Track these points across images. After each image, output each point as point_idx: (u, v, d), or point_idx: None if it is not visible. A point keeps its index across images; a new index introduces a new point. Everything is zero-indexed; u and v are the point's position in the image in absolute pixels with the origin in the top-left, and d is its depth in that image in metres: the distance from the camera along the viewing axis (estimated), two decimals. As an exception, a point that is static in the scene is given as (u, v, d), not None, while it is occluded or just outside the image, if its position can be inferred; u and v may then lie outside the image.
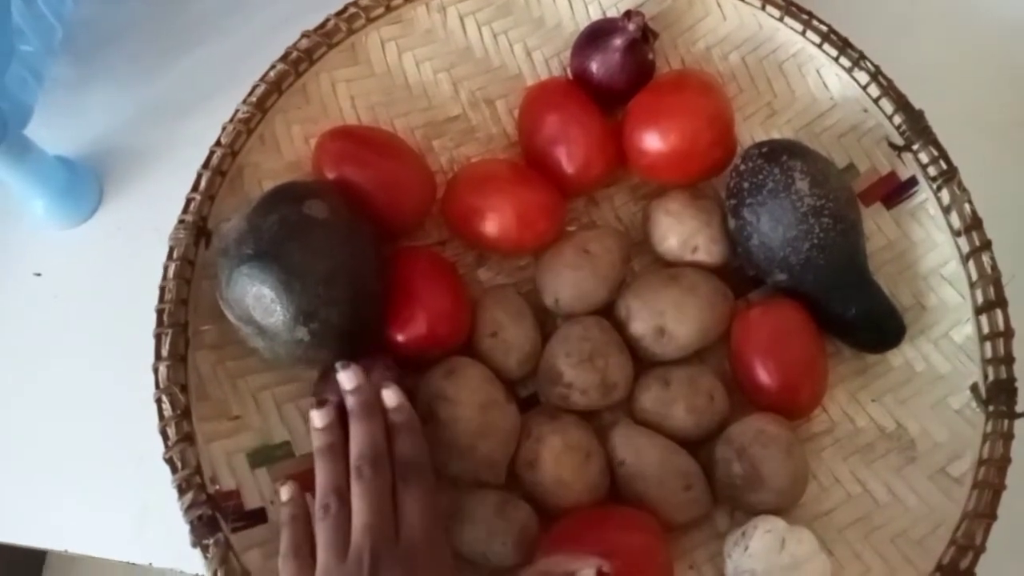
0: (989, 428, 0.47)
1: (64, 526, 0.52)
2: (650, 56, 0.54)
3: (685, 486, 0.47)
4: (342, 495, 0.42)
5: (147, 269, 0.48)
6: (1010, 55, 0.63)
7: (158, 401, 0.45)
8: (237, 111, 0.51)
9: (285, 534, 0.43)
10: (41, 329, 0.56)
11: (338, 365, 0.45)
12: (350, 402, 0.44)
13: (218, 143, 0.50)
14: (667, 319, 0.50)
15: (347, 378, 0.45)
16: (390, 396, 0.45)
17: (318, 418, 0.44)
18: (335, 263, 0.45)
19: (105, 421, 0.54)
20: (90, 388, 0.55)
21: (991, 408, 0.47)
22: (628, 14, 0.52)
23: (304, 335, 0.45)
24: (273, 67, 0.52)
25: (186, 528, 0.44)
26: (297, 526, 0.43)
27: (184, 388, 0.46)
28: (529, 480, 0.48)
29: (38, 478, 0.53)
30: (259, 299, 0.45)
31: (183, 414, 0.45)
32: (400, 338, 0.49)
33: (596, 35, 0.53)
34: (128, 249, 0.57)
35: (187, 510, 0.44)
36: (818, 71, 0.56)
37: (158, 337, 0.46)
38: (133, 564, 0.51)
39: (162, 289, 0.47)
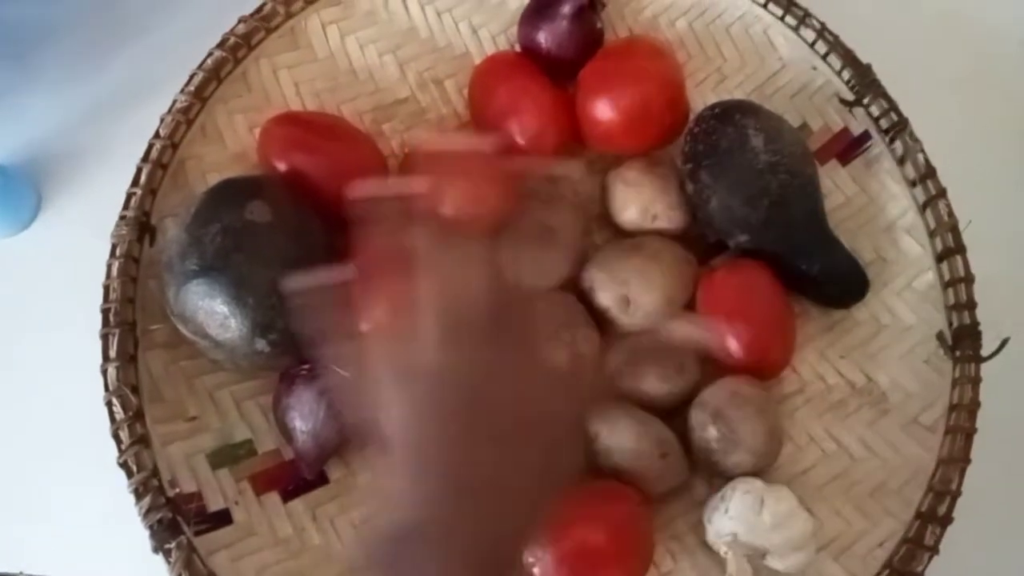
0: (957, 374, 0.47)
1: (17, 545, 0.49)
2: (598, 25, 0.53)
3: (661, 454, 0.46)
4: None
5: (91, 275, 0.47)
6: (951, 5, 0.64)
7: (108, 404, 0.44)
8: (175, 101, 0.49)
9: None
10: (-18, 342, 0.54)
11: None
12: None
13: (157, 135, 0.49)
14: (632, 288, 0.49)
15: None
16: None
17: None
18: (286, 268, 0.43)
19: (56, 433, 0.51)
20: (39, 402, 0.52)
21: (958, 354, 0.47)
22: (575, -20, 0.51)
23: (264, 346, 0.44)
24: (210, 54, 0.50)
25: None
26: None
27: (136, 389, 0.44)
28: (502, 461, 0.47)
29: (-13, 498, 0.51)
30: (211, 315, 0.43)
31: (135, 416, 0.43)
32: (364, 327, 0.48)
33: (544, 4, 0.53)
34: (71, 256, 0.54)
35: (145, 515, 0.42)
36: (765, 32, 0.56)
37: (105, 338, 0.45)
38: (96, 580, 0.49)
39: (106, 288, 0.46)
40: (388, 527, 0.31)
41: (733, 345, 0.48)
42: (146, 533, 0.47)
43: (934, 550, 0.43)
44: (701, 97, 0.56)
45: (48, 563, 0.50)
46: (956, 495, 0.44)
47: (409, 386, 0.34)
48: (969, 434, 0.45)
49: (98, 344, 0.45)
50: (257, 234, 0.43)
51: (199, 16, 0.60)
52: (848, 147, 0.54)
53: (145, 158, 0.48)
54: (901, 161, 0.52)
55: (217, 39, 0.51)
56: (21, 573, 0.49)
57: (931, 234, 0.50)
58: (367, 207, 0.36)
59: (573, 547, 0.43)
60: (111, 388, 0.44)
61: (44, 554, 0.50)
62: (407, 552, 0.30)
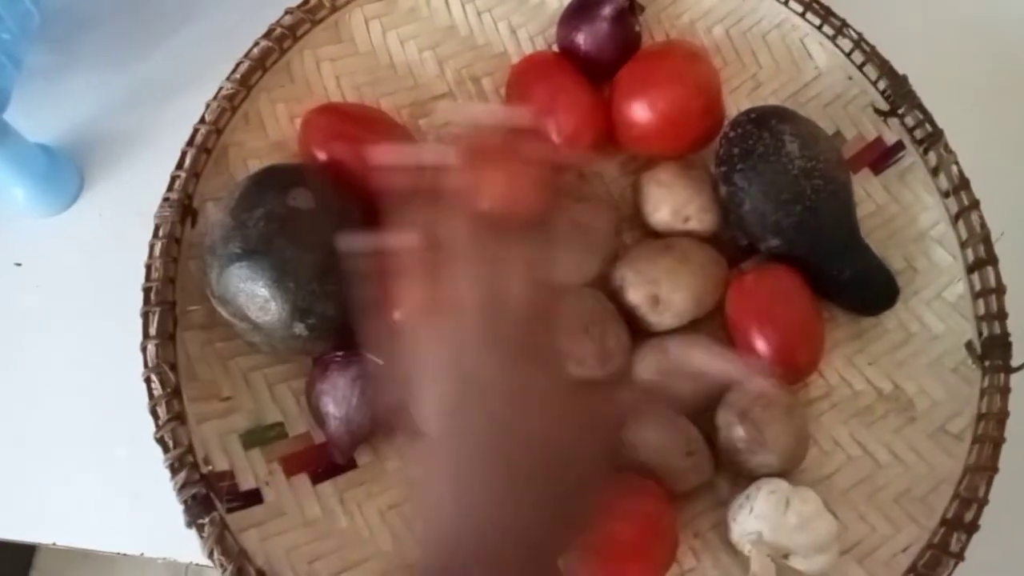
0: (986, 383, 0.47)
1: (51, 518, 0.50)
2: (636, 28, 0.54)
3: (687, 452, 0.47)
4: None
5: (131, 255, 0.47)
6: (988, 19, 0.64)
7: (147, 380, 0.44)
8: (221, 88, 0.50)
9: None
10: (23, 320, 0.55)
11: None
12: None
13: (202, 120, 0.49)
14: (662, 287, 0.50)
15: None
16: None
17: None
18: (327, 255, 0.44)
19: (92, 411, 0.52)
20: (76, 378, 0.53)
21: (987, 363, 0.47)
22: (615, -18, 0.52)
23: (302, 331, 0.44)
24: (257, 44, 0.51)
25: (178, 515, 0.43)
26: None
27: (174, 367, 0.45)
28: (529, 453, 0.48)
29: (22, 469, 0.51)
30: (252, 298, 0.44)
31: (173, 393, 0.44)
32: (397, 316, 0.48)
33: (584, 5, 0.53)
34: (111, 236, 0.56)
35: (180, 489, 0.42)
36: (802, 40, 0.56)
37: (145, 316, 0.45)
38: (124, 555, 0.50)
39: (148, 267, 0.46)
40: (431, 548, 0.31)
41: (762, 346, 0.49)
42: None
43: (959, 557, 0.43)
44: (736, 103, 0.56)
45: (78, 537, 0.51)
46: (983, 503, 0.44)
47: (446, 384, 0.33)
48: (997, 443, 0.45)
49: (136, 322, 0.46)
50: (300, 220, 0.44)
51: (241, 6, 0.61)
52: (881, 156, 0.54)
53: (190, 142, 0.49)
54: (934, 172, 0.52)
55: (258, 29, 0.52)
56: (54, 544, 0.51)
57: (963, 245, 0.51)
58: (394, 177, 0.36)
59: (597, 540, 0.43)
60: (150, 365, 0.45)
61: (74, 528, 0.51)
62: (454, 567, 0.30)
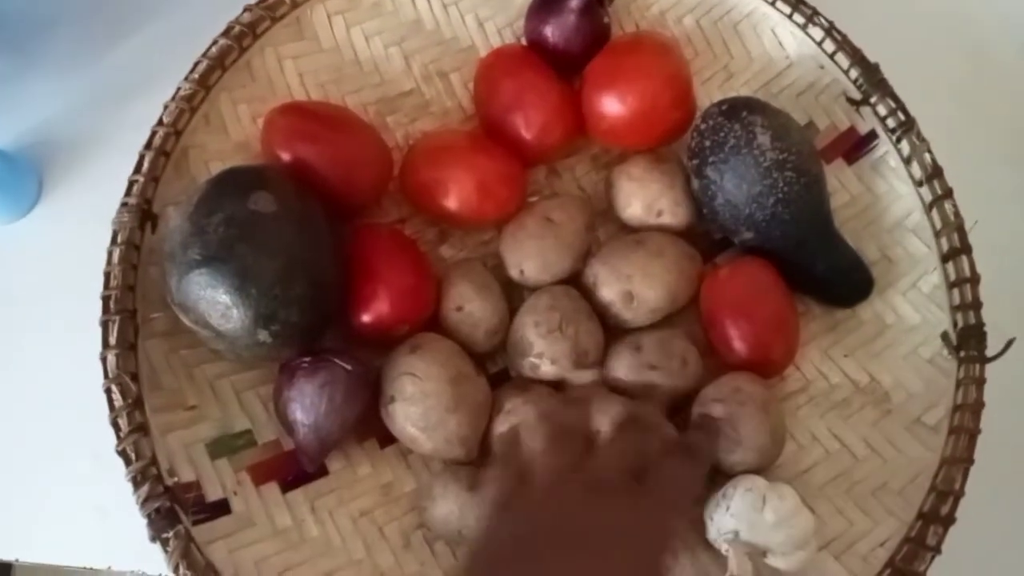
0: (962, 374, 0.47)
1: (14, 533, 0.49)
2: (605, 20, 0.53)
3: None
4: None
5: (92, 262, 0.46)
6: (958, 6, 0.64)
7: (108, 391, 0.43)
8: (179, 89, 0.49)
9: None
10: (-18, 330, 0.53)
11: None
12: None
13: (160, 122, 0.48)
14: (635, 283, 0.49)
15: None
16: None
17: None
18: (289, 260, 0.43)
19: (56, 421, 0.51)
20: (38, 388, 0.52)
21: (962, 354, 0.47)
22: (582, -25, 0.51)
23: (266, 337, 0.43)
24: (215, 43, 0.50)
25: (145, 527, 0.42)
26: None
27: (135, 377, 0.44)
28: (503, 455, 0.47)
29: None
30: (213, 306, 0.42)
31: (135, 404, 0.43)
32: (365, 319, 0.47)
33: (550, -2, 0.52)
34: (71, 242, 0.54)
35: (143, 503, 0.41)
36: (773, 30, 0.56)
37: (105, 325, 0.44)
38: (91, 569, 0.49)
39: (107, 275, 0.45)
40: None
41: (737, 341, 0.48)
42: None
43: (936, 550, 0.42)
44: (707, 94, 0.56)
45: (43, 552, 0.50)
46: (959, 495, 0.43)
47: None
48: (973, 434, 0.44)
49: (98, 332, 0.45)
50: (261, 224, 0.43)
51: (203, 6, 0.59)
52: (854, 146, 0.54)
53: (148, 145, 0.48)
54: (907, 161, 0.51)
55: (219, 29, 0.51)
56: (16, 561, 0.49)
57: (937, 234, 0.50)
58: None
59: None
60: (110, 375, 0.43)
61: (39, 543, 0.50)
62: None
